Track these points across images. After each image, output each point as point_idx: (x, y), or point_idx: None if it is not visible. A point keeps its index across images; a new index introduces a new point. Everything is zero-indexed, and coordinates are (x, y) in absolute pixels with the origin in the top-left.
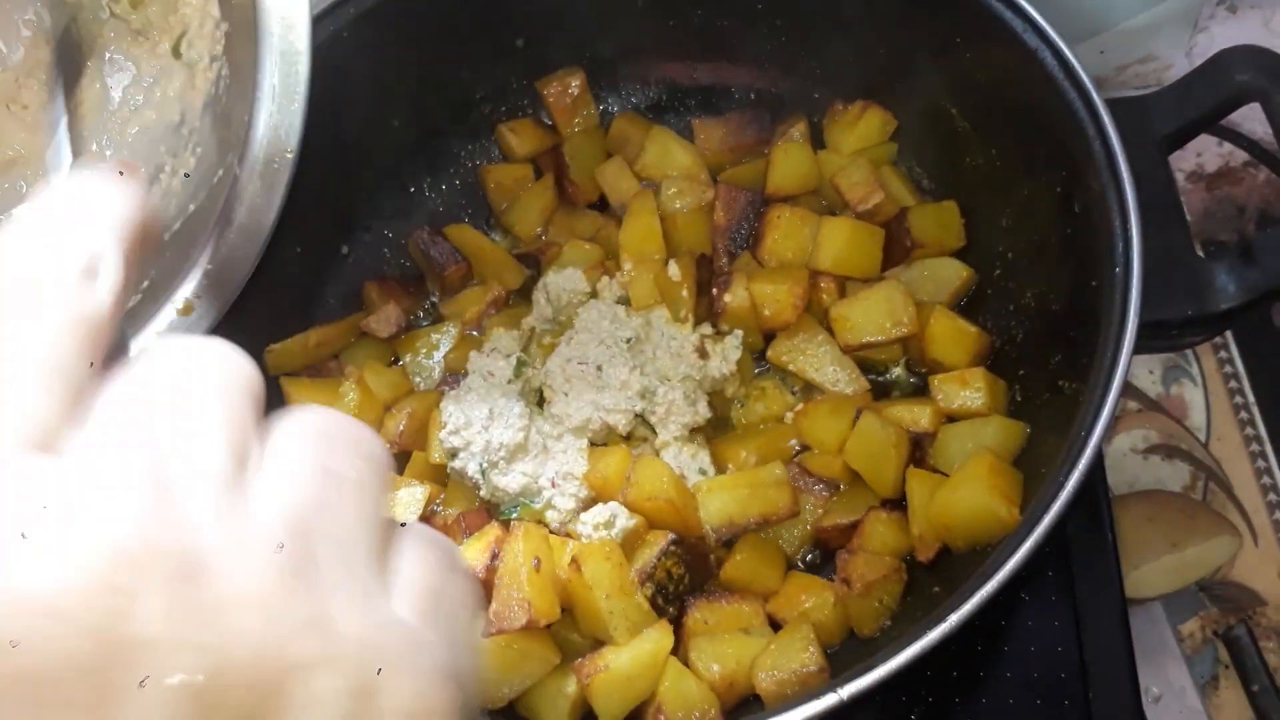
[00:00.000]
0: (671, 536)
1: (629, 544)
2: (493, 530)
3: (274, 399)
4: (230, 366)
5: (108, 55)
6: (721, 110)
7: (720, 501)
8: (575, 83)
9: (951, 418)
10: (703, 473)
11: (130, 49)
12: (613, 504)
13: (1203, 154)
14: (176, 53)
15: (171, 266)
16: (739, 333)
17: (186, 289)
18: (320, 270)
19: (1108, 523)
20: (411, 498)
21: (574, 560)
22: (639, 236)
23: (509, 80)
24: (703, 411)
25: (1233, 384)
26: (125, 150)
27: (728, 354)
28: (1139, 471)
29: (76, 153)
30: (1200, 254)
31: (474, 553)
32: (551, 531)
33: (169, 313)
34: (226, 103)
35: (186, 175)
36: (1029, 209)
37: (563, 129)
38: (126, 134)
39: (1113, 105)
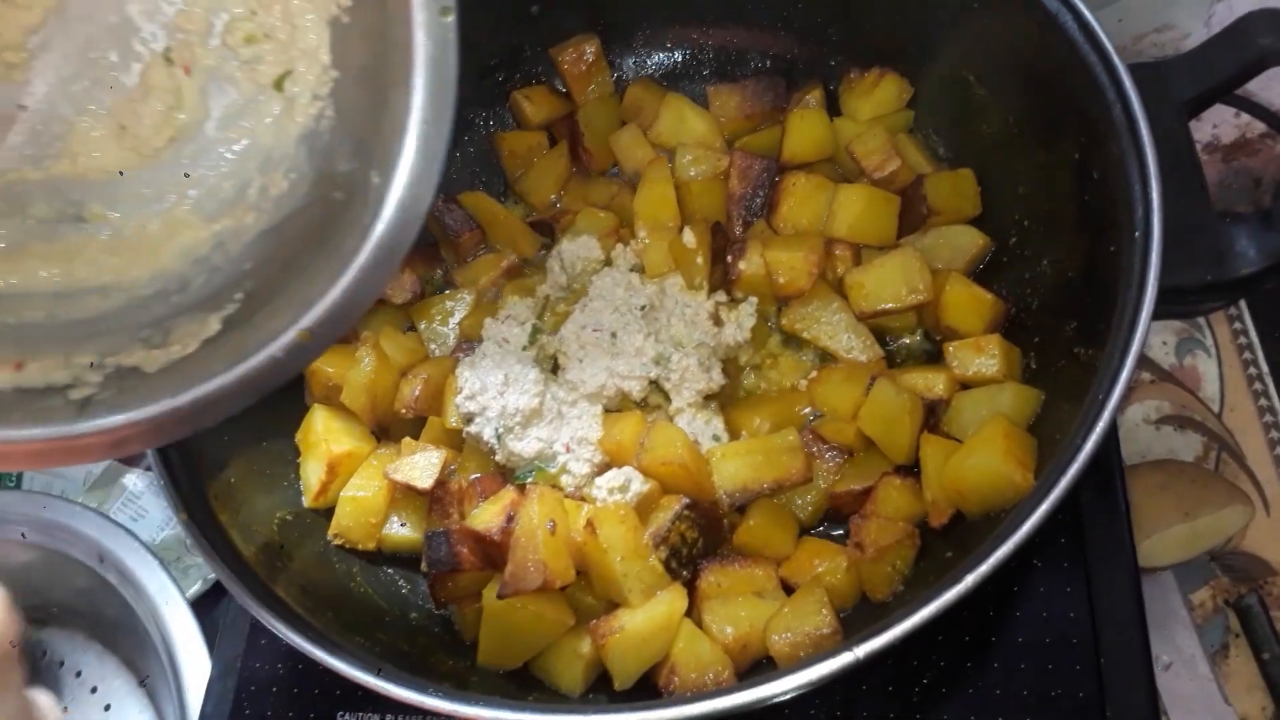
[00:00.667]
0: (685, 501)
1: (643, 508)
2: (508, 494)
3: None
4: None
5: (211, 76)
6: (737, 77)
7: (734, 467)
8: (590, 49)
9: (966, 385)
10: (716, 439)
11: (234, 73)
12: (627, 469)
13: (1219, 125)
14: (279, 86)
15: (299, 293)
16: (753, 300)
17: (311, 318)
18: None
19: (1120, 491)
20: (427, 462)
21: (589, 523)
22: (654, 204)
23: (523, 47)
24: (716, 378)
25: (1246, 355)
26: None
27: (742, 321)
28: (1152, 441)
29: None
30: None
31: (490, 515)
32: (566, 495)
33: (291, 335)
34: (329, 141)
35: (276, 194)
36: (1046, 176)
37: (577, 96)
38: (219, 148)
39: (1133, 70)
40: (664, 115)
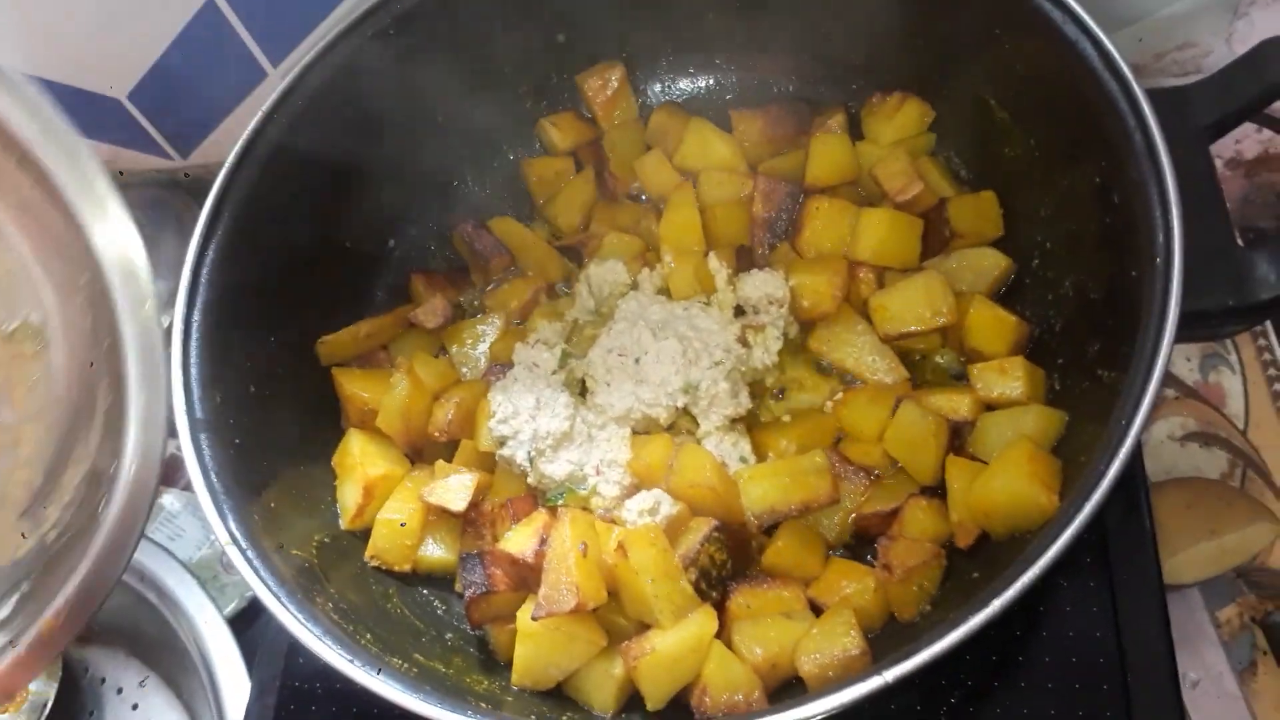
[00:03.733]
0: (714, 523)
1: (672, 530)
2: (541, 516)
3: (327, 389)
4: None
5: None
6: (760, 102)
7: (761, 489)
8: (615, 76)
9: (990, 406)
10: (743, 461)
11: None
12: (656, 491)
13: (1242, 141)
14: None
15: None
16: (779, 323)
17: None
18: (369, 265)
19: (1146, 510)
20: (461, 485)
21: (620, 546)
22: (679, 228)
23: (550, 75)
24: (744, 402)
25: (1271, 371)
26: None
27: (769, 344)
28: (1177, 459)
29: None
30: (1240, 244)
31: (523, 538)
32: (597, 518)
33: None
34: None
35: None
36: (1068, 199)
37: (602, 122)
38: None
39: (1153, 95)
40: (688, 140)
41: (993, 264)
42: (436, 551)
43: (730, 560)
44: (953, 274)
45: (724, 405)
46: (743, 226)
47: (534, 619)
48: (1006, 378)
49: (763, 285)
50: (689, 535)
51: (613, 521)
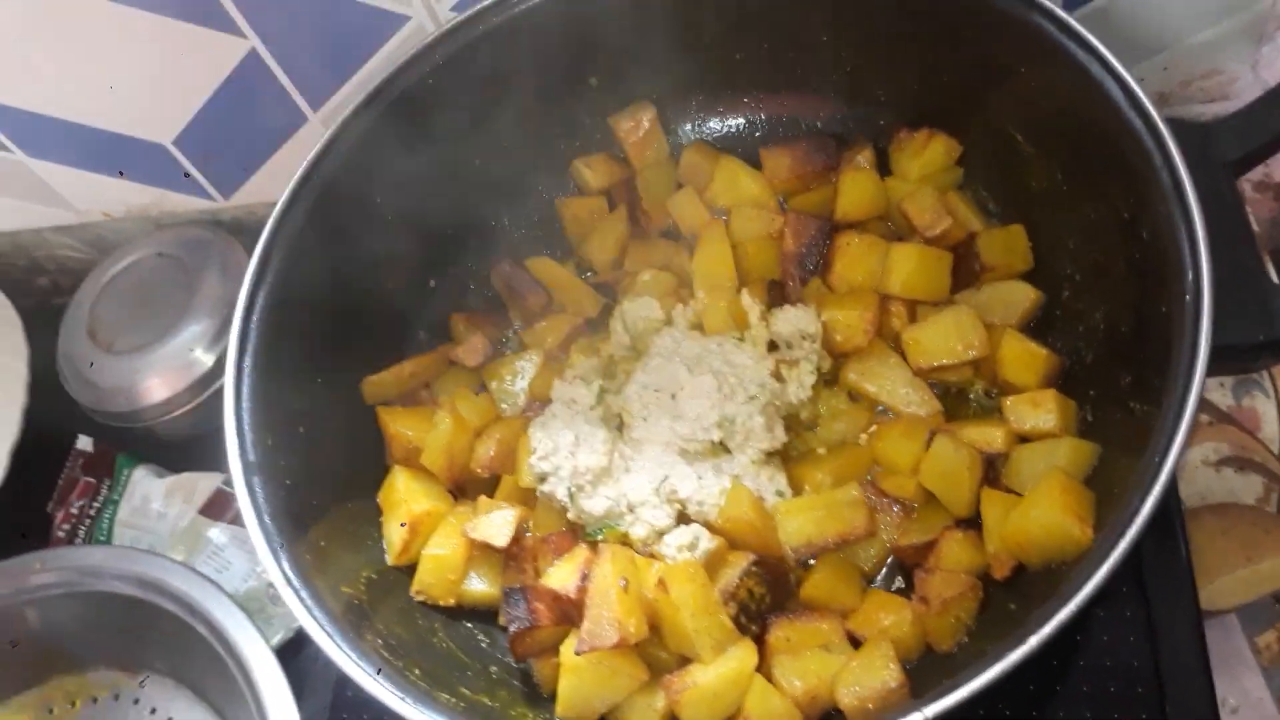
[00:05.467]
0: (752, 557)
1: (711, 565)
2: (582, 552)
3: (371, 427)
4: None
5: None
6: (789, 139)
7: (798, 523)
8: (646, 117)
9: (1024, 438)
10: (780, 494)
11: None
12: (695, 526)
13: (1270, 164)
14: None
15: None
16: (813, 357)
17: None
18: (411, 304)
19: (1181, 537)
20: (504, 520)
21: (661, 581)
22: (711, 265)
23: (583, 118)
24: (779, 435)
25: None
26: None
27: (803, 379)
28: (1211, 484)
29: None
30: (1273, 276)
31: (565, 574)
32: (637, 552)
33: None
34: None
35: None
36: (1096, 233)
37: (635, 161)
38: None
39: (1179, 130)
40: (718, 177)
41: (1023, 296)
42: (480, 585)
43: (769, 594)
44: (983, 307)
45: (759, 439)
46: (773, 262)
47: (577, 653)
48: (1039, 410)
49: (795, 320)
50: (727, 569)
51: (652, 556)
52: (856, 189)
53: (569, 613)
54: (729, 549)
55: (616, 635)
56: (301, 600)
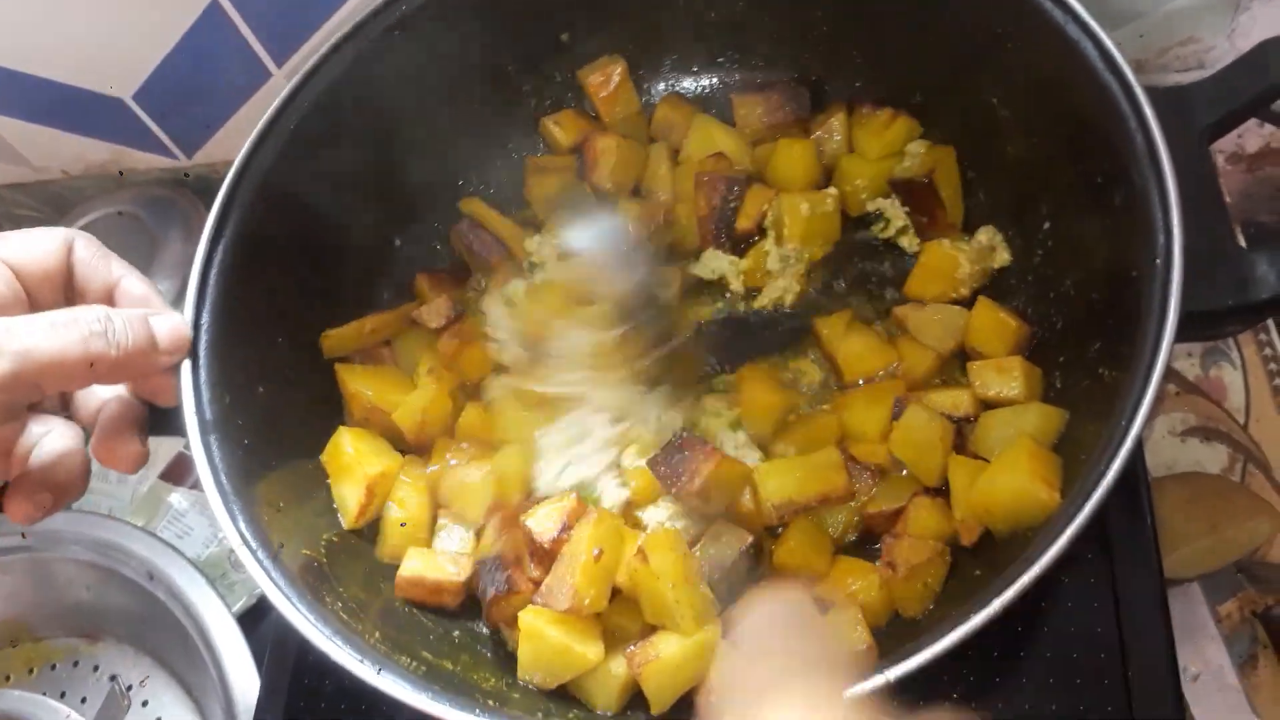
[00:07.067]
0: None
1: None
2: (571, 501)
3: (333, 390)
4: None
5: None
6: (762, 85)
7: (778, 482)
8: (616, 71)
9: (989, 405)
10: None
11: None
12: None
13: (1243, 135)
14: None
15: None
16: None
17: None
18: (375, 264)
19: (1147, 505)
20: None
21: (640, 551)
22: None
23: (554, 74)
24: None
25: (1272, 366)
26: None
27: None
28: (1177, 454)
29: None
30: (1242, 243)
31: (546, 519)
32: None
33: None
34: None
35: None
36: (1069, 198)
37: (605, 117)
38: None
39: (1154, 95)
40: (693, 134)
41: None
42: (452, 545)
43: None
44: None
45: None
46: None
47: (533, 603)
48: (1005, 376)
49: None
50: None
51: (635, 526)
52: (791, 158)
53: (542, 560)
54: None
55: (568, 603)
56: (259, 561)
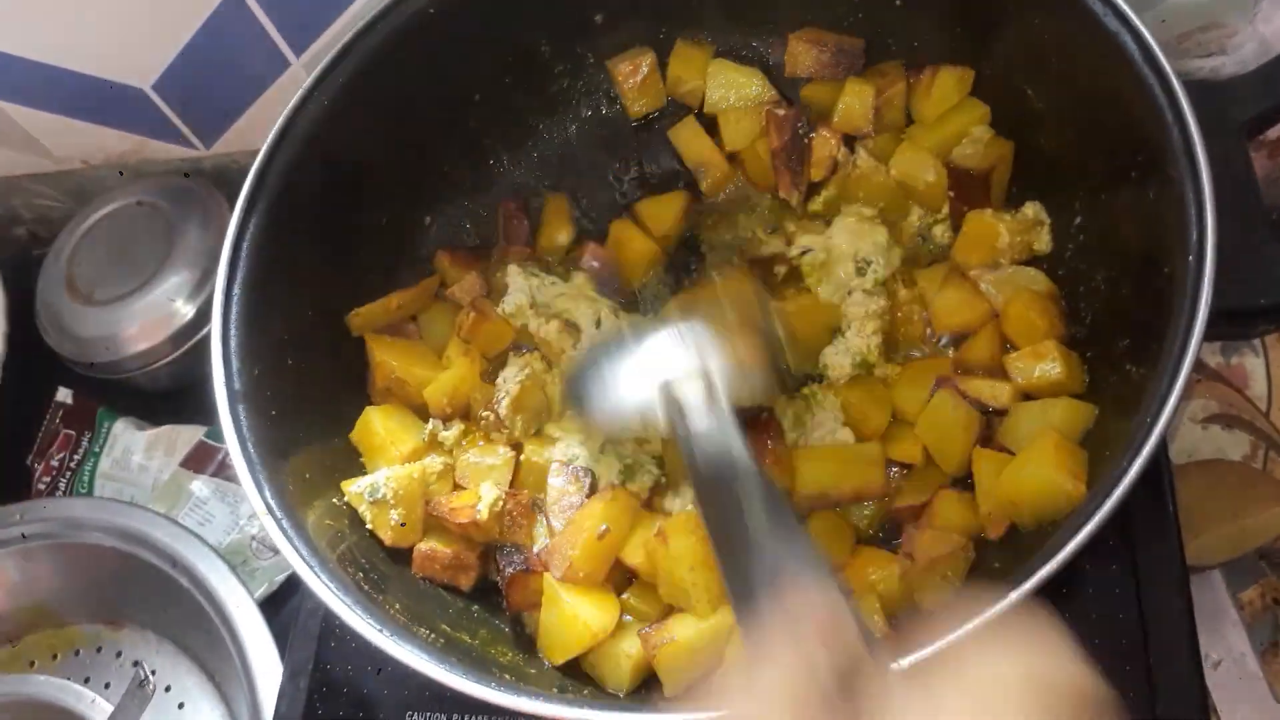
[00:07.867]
0: None
1: None
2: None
3: (361, 365)
4: None
5: None
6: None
7: (814, 470)
8: (645, 63)
9: (1029, 395)
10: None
11: None
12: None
13: None
14: None
15: None
16: None
17: None
18: (406, 241)
19: (1169, 494)
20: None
21: (660, 532)
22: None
23: (585, 56)
24: None
25: None
26: None
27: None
28: (1199, 441)
29: None
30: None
31: (565, 479)
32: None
33: None
34: None
35: None
36: (1103, 192)
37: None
38: None
39: (1191, 89)
40: (711, 83)
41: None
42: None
43: None
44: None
45: None
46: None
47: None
48: (1043, 360)
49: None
50: None
51: (654, 510)
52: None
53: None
54: None
55: (561, 572)
56: (283, 530)
